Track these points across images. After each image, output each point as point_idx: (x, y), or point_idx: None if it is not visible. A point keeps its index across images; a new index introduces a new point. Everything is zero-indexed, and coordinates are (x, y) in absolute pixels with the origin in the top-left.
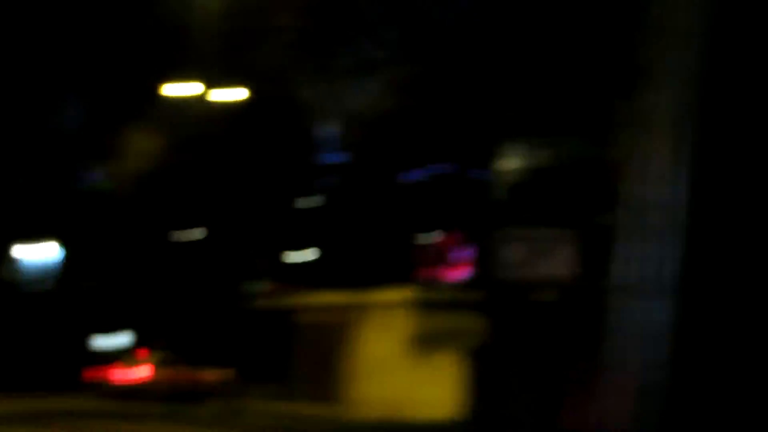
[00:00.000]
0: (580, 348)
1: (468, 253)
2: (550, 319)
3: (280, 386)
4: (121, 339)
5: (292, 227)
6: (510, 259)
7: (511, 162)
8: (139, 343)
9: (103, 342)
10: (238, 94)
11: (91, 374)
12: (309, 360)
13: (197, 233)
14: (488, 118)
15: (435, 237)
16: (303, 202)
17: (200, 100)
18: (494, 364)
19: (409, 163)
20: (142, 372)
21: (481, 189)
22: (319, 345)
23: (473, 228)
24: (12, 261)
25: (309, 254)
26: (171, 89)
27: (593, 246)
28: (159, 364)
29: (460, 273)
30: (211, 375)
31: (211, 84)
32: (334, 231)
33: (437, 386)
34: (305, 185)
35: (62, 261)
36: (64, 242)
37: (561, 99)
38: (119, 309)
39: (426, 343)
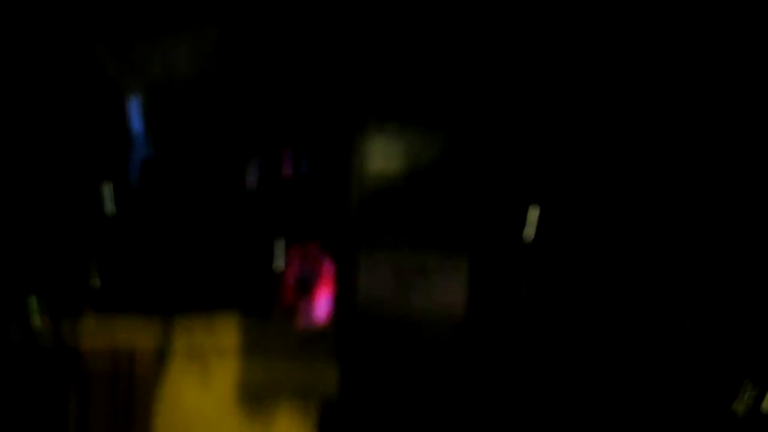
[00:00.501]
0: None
1: (327, 273)
2: (431, 369)
3: None
4: None
5: (65, 230)
6: (377, 290)
7: (375, 156)
8: None
9: None
10: None
11: None
12: (95, 421)
13: None
14: (338, 93)
15: (284, 250)
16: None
17: None
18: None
19: (232, 152)
20: None
21: (335, 193)
22: (113, 399)
23: (332, 240)
24: None
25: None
26: None
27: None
28: None
29: (316, 300)
30: None
31: None
32: (139, 239)
33: None
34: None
35: None
36: None
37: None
38: None
39: (260, 399)
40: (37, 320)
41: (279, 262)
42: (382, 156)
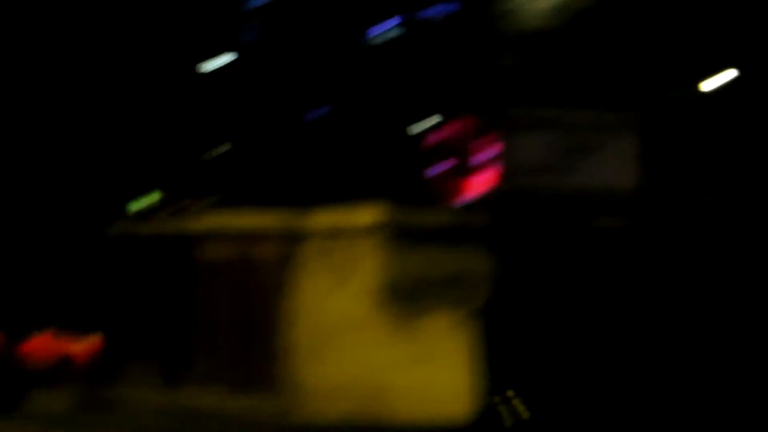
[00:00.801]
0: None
1: (490, 151)
2: (603, 258)
3: (172, 365)
4: None
5: (191, 108)
6: (530, 159)
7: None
8: None
9: None
10: None
11: None
12: (221, 322)
13: None
14: None
15: (433, 126)
16: (204, 64)
17: None
18: (518, 327)
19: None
20: None
21: (485, 40)
22: (238, 298)
23: (487, 113)
24: None
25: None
26: None
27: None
28: None
29: (478, 184)
30: (56, 345)
31: None
32: (260, 113)
33: (428, 363)
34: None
35: None
36: None
37: None
38: None
39: (410, 295)
40: (161, 210)
41: (425, 142)
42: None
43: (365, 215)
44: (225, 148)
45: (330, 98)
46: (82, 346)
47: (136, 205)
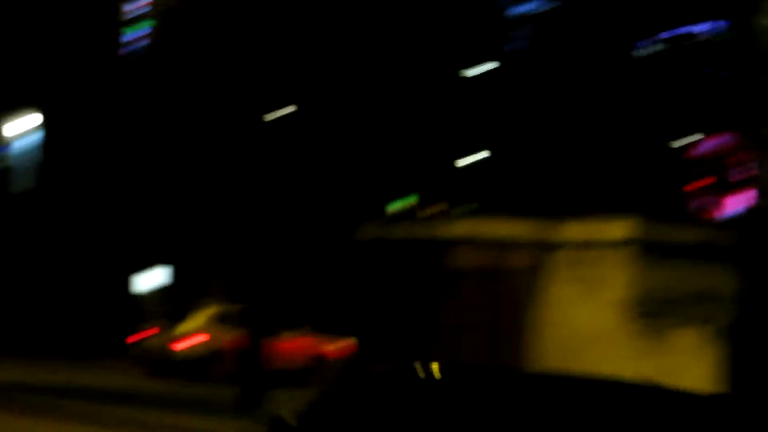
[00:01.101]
0: None
1: (748, 169)
2: None
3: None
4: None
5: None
6: None
7: None
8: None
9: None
10: None
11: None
12: (465, 330)
13: None
14: None
15: (695, 141)
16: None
17: None
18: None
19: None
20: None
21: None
22: (487, 305)
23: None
24: None
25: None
26: None
27: None
28: (217, 323)
29: (734, 202)
30: (307, 345)
31: None
32: (518, 121)
33: (673, 380)
34: None
35: None
36: None
37: None
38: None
39: (658, 310)
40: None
41: (684, 157)
42: None
43: (617, 229)
44: (482, 155)
45: (589, 109)
46: (334, 347)
47: (393, 209)
